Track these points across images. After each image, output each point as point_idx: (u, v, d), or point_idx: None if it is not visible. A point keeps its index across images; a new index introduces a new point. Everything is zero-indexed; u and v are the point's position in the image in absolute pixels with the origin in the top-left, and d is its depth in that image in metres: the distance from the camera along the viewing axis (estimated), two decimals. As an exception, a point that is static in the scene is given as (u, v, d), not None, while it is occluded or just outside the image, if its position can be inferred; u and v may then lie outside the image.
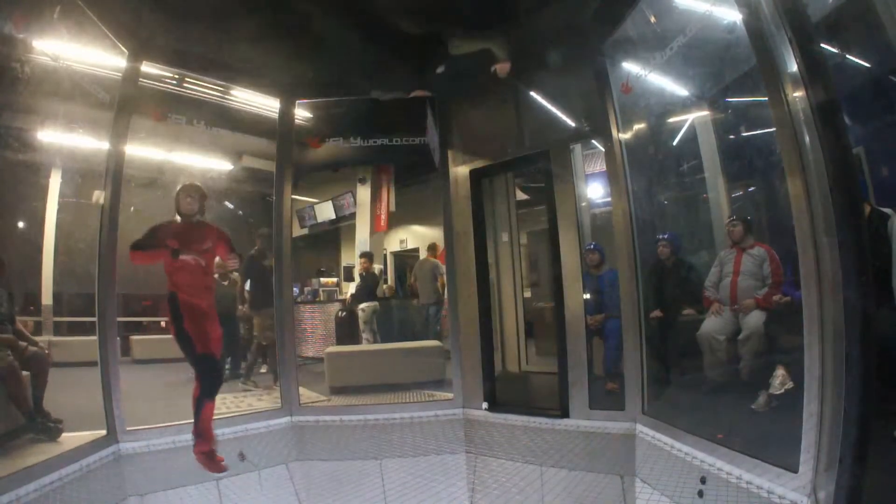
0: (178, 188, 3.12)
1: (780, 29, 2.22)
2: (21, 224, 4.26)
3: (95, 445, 3.10)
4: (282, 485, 3.77)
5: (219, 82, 4.28)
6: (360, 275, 6.69)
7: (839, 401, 2.02)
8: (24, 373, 3.02)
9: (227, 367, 5.42)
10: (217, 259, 3.37)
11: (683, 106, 3.73)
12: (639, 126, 3.74)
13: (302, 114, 4.69)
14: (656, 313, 3.64)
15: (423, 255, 7.18)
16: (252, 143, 5.19)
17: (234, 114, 4.53)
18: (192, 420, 2.98)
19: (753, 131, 3.23)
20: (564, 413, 3.69)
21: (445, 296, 6.14)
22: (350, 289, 7.14)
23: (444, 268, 6.21)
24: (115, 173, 3.45)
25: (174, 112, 4.14)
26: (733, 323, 3.25)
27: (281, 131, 4.40)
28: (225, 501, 3.43)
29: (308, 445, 4.01)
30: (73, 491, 2.80)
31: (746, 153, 3.41)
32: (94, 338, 3.35)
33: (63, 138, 3.74)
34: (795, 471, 2.18)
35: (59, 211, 4.23)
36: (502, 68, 3.50)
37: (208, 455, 2.99)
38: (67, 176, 4.15)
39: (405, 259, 8.85)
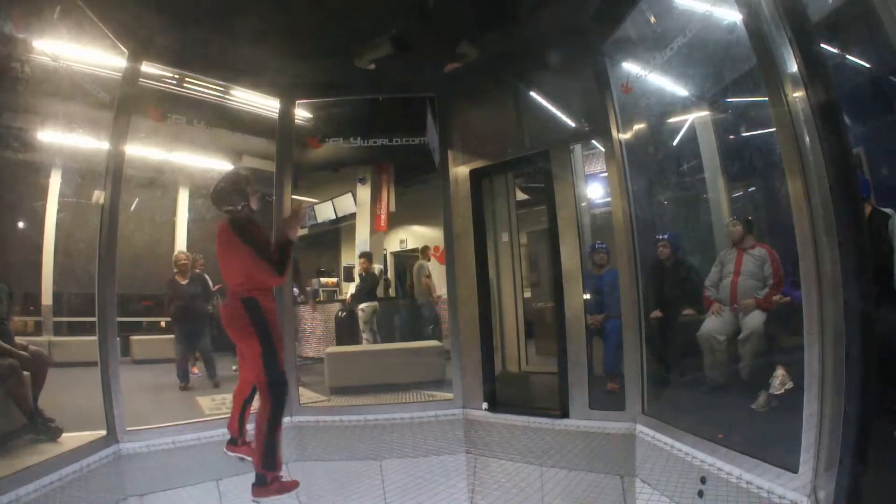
0: (250, 186, 2.73)
1: (780, 29, 2.22)
2: (21, 224, 4.27)
3: (95, 445, 3.10)
4: (282, 485, 3.76)
5: (219, 82, 4.28)
6: (360, 275, 6.72)
7: (839, 401, 2.02)
8: (25, 373, 3.02)
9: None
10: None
11: (683, 106, 3.73)
12: (639, 126, 3.74)
13: (302, 114, 4.69)
14: (656, 313, 3.64)
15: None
16: (252, 143, 5.20)
17: (234, 114, 4.53)
18: (263, 450, 2.65)
19: (753, 131, 3.23)
20: (564, 413, 3.69)
21: (435, 295, 6.37)
22: (350, 289, 7.15)
23: (427, 268, 6.49)
24: (115, 173, 3.44)
25: (174, 112, 4.14)
26: (733, 323, 3.25)
27: (281, 131, 4.39)
28: (225, 501, 3.43)
29: (308, 445, 4.01)
30: (73, 491, 2.79)
31: (746, 153, 3.42)
32: (95, 338, 3.34)
33: (63, 138, 3.74)
34: (795, 471, 2.18)
35: (59, 211, 4.23)
36: (450, 67, 3.74)
37: (284, 483, 2.73)
38: (67, 176, 4.15)
39: (405, 259, 8.86)
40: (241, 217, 2.70)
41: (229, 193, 2.69)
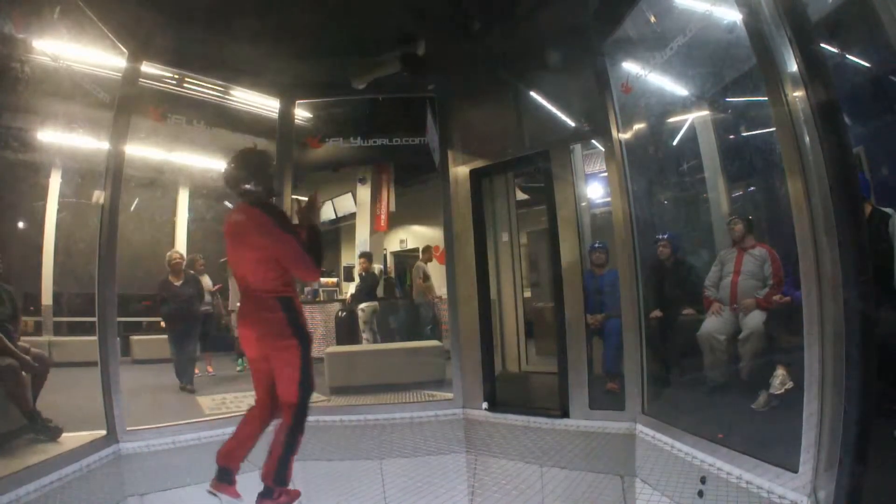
0: (272, 165, 2.49)
1: (780, 29, 2.22)
2: (21, 224, 4.27)
3: (95, 445, 3.10)
4: (282, 485, 3.76)
5: (219, 82, 4.28)
6: (360, 275, 6.72)
7: (839, 401, 2.02)
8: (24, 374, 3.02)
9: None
10: None
11: (683, 106, 3.73)
12: (639, 126, 3.74)
13: (302, 114, 4.69)
14: (656, 313, 3.64)
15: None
16: (252, 143, 5.19)
17: (234, 114, 4.54)
18: (278, 467, 2.42)
19: (753, 131, 3.23)
20: (564, 413, 3.69)
21: (431, 296, 6.44)
22: (350, 289, 7.16)
23: (422, 270, 6.58)
24: (115, 173, 3.44)
25: (174, 112, 4.15)
26: (733, 323, 3.25)
27: (281, 131, 4.40)
28: (225, 501, 3.43)
29: (308, 445, 3.99)
30: (73, 491, 2.79)
31: (746, 153, 3.42)
32: (95, 338, 3.34)
33: (63, 138, 3.74)
34: (795, 471, 2.18)
35: (59, 211, 4.23)
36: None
37: (289, 492, 2.52)
38: (67, 176, 4.16)
39: (405, 259, 8.86)
40: (267, 199, 2.35)
41: (254, 169, 2.33)
